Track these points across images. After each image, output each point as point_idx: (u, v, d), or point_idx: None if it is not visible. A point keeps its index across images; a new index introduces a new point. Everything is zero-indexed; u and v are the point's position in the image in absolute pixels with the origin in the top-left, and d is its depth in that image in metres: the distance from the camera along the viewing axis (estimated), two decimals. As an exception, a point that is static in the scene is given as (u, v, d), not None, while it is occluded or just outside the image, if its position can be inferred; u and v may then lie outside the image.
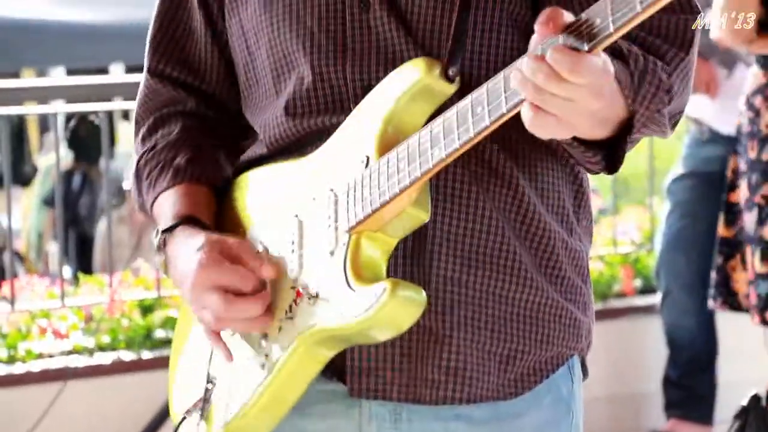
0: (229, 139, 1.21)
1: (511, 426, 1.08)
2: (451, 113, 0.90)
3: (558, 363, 1.09)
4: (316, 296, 1.00)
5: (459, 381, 1.03)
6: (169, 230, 1.08)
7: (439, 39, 1.02)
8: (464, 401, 1.04)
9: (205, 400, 1.10)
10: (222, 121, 1.21)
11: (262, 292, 1.01)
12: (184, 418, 1.12)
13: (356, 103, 1.02)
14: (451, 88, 0.96)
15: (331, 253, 0.99)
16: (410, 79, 0.96)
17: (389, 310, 0.92)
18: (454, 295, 1.03)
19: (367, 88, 1.02)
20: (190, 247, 1.03)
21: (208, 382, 1.10)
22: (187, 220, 1.08)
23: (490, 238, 1.03)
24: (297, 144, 1.09)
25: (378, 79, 1.01)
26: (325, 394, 1.06)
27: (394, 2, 1.03)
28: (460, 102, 0.90)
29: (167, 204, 1.12)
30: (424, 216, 0.97)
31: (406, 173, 0.92)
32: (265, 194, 1.12)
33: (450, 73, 0.95)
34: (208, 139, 1.19)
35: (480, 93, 0.87)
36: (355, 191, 0.98)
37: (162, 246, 1.09)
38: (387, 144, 0.96)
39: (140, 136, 1.20)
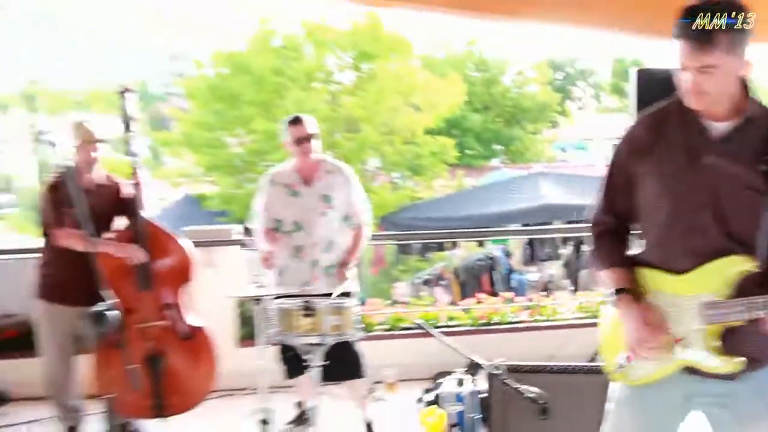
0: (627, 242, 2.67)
1: None
2: None
3: None
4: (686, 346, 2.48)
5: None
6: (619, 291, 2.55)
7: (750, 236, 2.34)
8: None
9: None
10: (626, 231, 2.66)
11: (656, 339, 2.48)
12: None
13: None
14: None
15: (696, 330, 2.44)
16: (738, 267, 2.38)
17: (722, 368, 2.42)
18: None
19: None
20: (631, 309, 2.51)
21: None
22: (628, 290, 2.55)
23: None
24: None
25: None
26: None
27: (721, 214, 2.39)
28: None
29: (616, 274, 2.57)
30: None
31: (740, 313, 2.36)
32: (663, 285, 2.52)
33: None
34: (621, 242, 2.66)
35: None
36: (710, 307, 2.40)
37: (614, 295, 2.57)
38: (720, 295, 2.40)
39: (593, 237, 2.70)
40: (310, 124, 4.73)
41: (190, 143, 18.64)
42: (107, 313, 2.80)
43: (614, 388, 2.68)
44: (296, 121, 4.71)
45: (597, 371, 3.72)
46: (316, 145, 4.73)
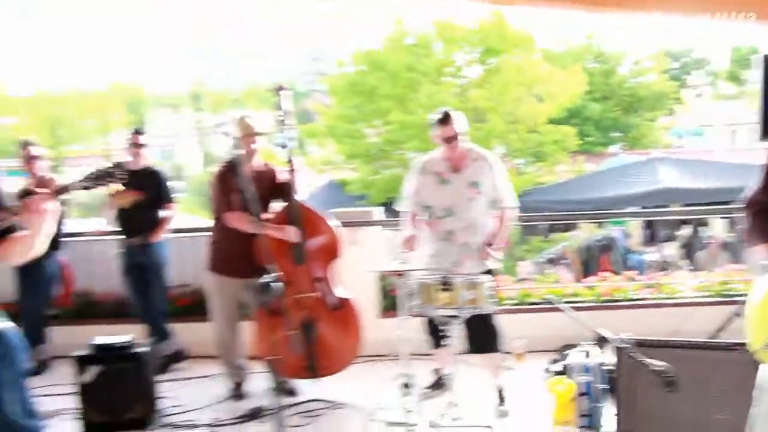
0: None
1: None
2: None
3: None
4: None
5: None
6: None
7: None
8: None
9: None
10: None
11: None
12: None
13: None
14: None
15: None
16: None
17: None
18: None
19: None
20: None
21: None
22: None
23: None
24: None
25: None
26: None
27: None
28: None
29: None
30: None
31: None
32: None
33: None
34: None
35: None
36: None
37: None
38: None
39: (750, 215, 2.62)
40: (458, 122, 4.54)
41: (333, 134, 19.00)
42: (272, 284, 2.87)
43: (765, 368, 2.48)
44: (444, 121, 4.52)
45: (723, 347, 3.53)
46: (463, 139, 4.58)
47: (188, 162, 41.13)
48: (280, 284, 2.90)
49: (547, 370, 5.02)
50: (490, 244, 4.56)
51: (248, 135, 4.66)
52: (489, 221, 4.62)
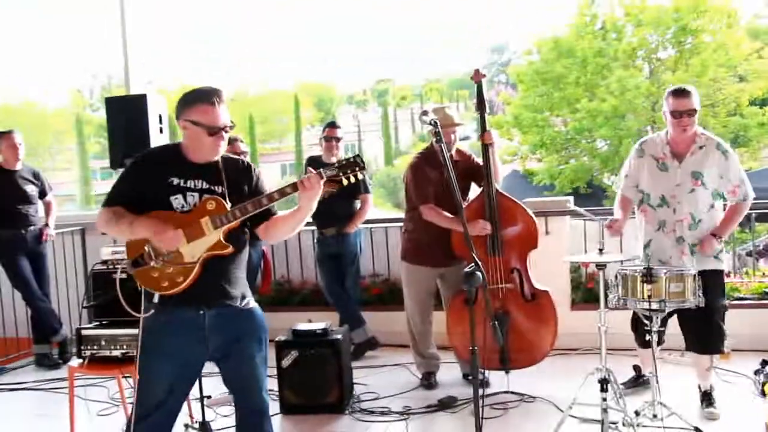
0: None
1: None
2: None
3: None
4: None
5: None
6: None
7: None
8: None
9: None
10: None
11: None
12: None
13: None
14: None
15: None
16: None
17: None
18: None
19: None
20: None
21: None
22: None
23: None
24: None
25: None
26: None
27: None
28: None
29: None
30: None
31: None
32: None
33: None
34: None
35: None
36: None
37: None
38: None
39: None
40: (695, 98, 4.08)
41: (519, 124, 18.75)
42: (476, 272, 2.84)
43: None
44: (680, 93, 4.06)
45: None
46: (693, 120, 4.08)
47: (373, 156, 42.26)
48: (482, 273, 2.84)
49: (757, 372, 4.62)
50: (715, 236, 4.11)
51: (448, 125, 4.64)
52: (714, 214, 4.17)
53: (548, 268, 5.08)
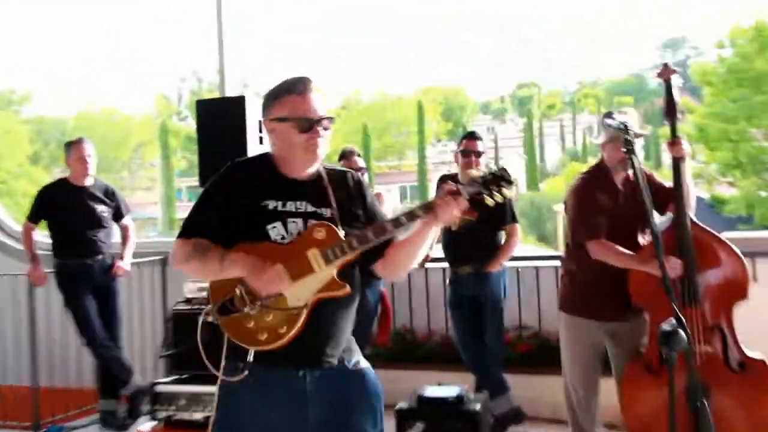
0: None
1: None
2: None
3: None
4: None
5: None
6: None
7: None
8: None
9: None
10: None
11: None
12: None
13: None
14: None
15: None
16: None
17: None
18: None
19: None
20: None
21: None
22: None
23: None
24: None
25: None
26: None
27: None
28: None
29: None
30: None
31: None
32: None
33: None
34: None
35: None
36: None
37: None
38: None
39: None
40: None
41: (704, 138, 18.06)
42: (679, 331, 2.55)
43: None
44: None
45: None
46: None
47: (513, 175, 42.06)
48: (686, 333, 2.54)
49: None
50: None
51: (616, 140, 4.37)
52: None
53: (760, 328, 4.69)
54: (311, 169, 2.80)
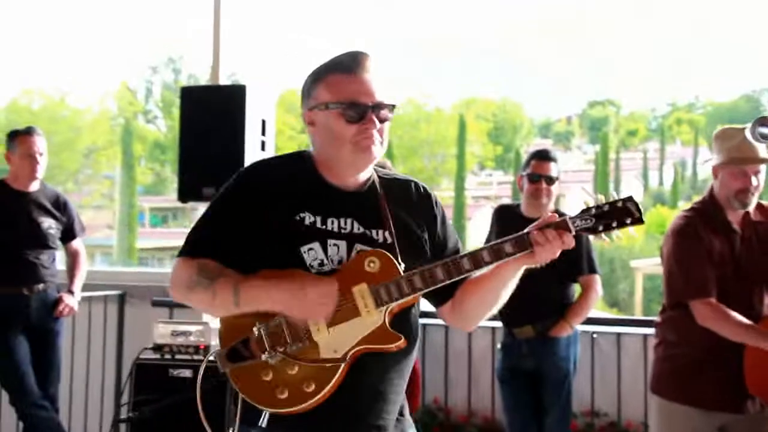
0: None
1: None
2: None
3: None
4: None
5: None
6: None
7: None
8: None
9: None
10: None
11: None
12: None
13: None
14: None
15: None
16: None
17: None
18: None
19: None
20: None
21: None
22: None
23: None
24: None
25: None
26: None
27: None
28: None
29: None
30: None
31: None
32: None
33: None
34: None
35: None
36: None
37: None
38: None
39: None
40: None
41: None
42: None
43: None
44: None
45: None
46: None
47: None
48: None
49: None
50: None
51: (746, 161, 4.32)
52: None
53: None
54: (363, 176, 2.75)
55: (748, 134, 3.28)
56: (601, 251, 39.21)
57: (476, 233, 39.97)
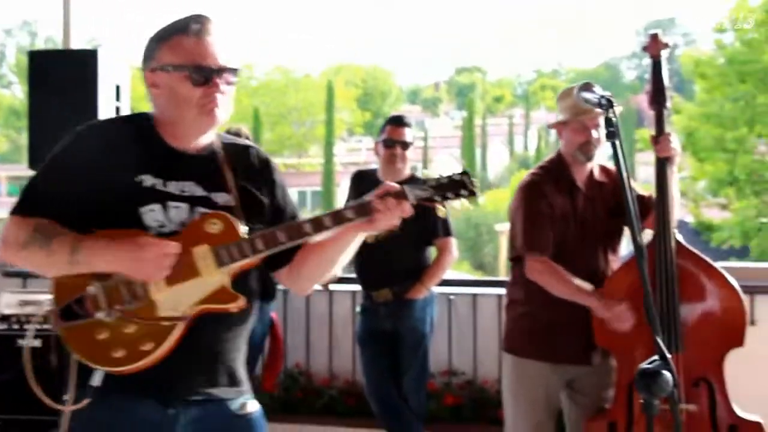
0: None
1: None
2: None
3: None
4: None
5: None
6: None
7: None
8: None
9: None
10: None
11: None
12: None
13: None
14: None
15: None
16: None
17: None
18: None
19: None
20: None
21: None
22: None
23: None
24: None
25: None
26: None
27: None
28: None
29: None
30: None
31: None
32: None
33: None
34: None
35: None
36: None
37: None
38: None
39: None
40: None
41: (692, 146, 18.33)
42: (662, 372, 2.54)
43: None
44: None
45: None
46: None
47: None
48: (672, 375, 2.53)
49: None
50: None
51: (582, 114, 4.43)
52: None
53: (759, 382, 4.86)
54: (204, 139, 2.72)
55: (574, 97, 3.36)
56: (467, 216, 39.53)
57: (345, 199, 40.00)
